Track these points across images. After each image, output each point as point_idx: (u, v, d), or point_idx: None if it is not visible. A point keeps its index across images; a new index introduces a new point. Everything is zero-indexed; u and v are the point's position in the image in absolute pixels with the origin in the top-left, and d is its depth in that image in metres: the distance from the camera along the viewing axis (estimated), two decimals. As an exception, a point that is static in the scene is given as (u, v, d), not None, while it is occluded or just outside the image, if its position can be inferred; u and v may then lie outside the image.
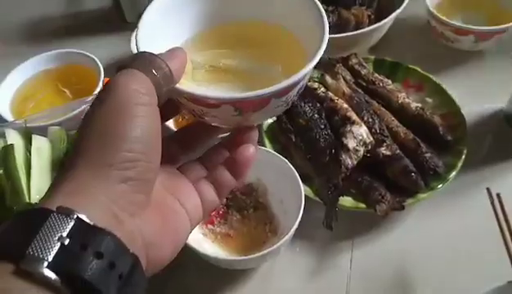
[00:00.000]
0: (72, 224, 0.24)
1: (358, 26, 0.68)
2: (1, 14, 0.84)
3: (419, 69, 0.64)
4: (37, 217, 0.24)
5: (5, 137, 0.58)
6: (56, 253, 0.23)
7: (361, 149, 0.55)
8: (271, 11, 0.37)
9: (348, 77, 0.65)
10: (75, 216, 0.24)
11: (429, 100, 0.63)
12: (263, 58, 0.35)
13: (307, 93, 0.62)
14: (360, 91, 0.63)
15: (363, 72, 0.65)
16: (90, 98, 0.62)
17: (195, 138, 0.35)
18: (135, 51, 0.31)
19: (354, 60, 0.66)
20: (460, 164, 0.54)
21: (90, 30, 0.83)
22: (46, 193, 0.26)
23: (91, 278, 0.23)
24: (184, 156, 0.35)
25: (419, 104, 0.61)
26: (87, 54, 0.70)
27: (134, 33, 0.34)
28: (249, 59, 0.36)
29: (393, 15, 0.65)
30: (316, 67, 0.62)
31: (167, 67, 0.29)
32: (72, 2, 0.91)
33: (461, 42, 0.69)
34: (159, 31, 0.34)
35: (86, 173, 0.26)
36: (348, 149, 0.55)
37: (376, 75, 0.65)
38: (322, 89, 0.62)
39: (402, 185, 0.54)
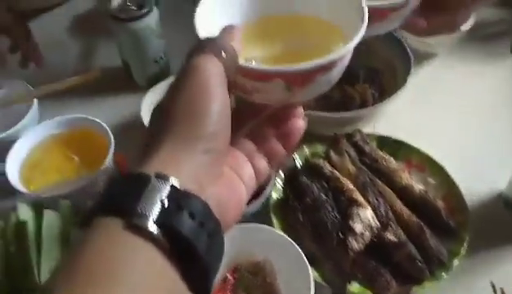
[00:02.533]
0: (169, 188, 0.27)
1: (362, 103, 0.70)
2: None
3: (421, 150, 0.67)
4: (140, 181, 0.28)
5: (16, 210, 0.58)
6: (159, 212, 0.27)
7: (368, 234, 0.57)
8: (311, 5, 0.41)
9: (353, 153, 0.67)
10: (171, 182, 0.28)
11: (431, 180, 0.64)
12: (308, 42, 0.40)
13: (314, 171, 0.64)
14: (364, 168, 0.65)
15: (367, 149, 0.67)
16: (100, 171, 0.62)
17: (244, 117, 0.38)
18: (198, 32, 0.35)
19: (358, 137, 0.68)
20: (463, 252, 0.56)
21: (99, 92, 0.84)
22: (137, 160, 0.31)
23: (187, 234, 0.27)
24: (234, 133, 0.36)
25: (423, 187, 0.63)
26: (97, 120, 0.71)
27: (196, 12, 0.37)
28: (296, 43, 0.40)
29: (397, 94, 0.68)
30: (322, 142, 0.65)
31: (232, 48, 0.33)
32: (82, 62, 0.92)
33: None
34: (213, 14, 0.38)
35: (175, 144, 0.30)
36: (355, 233, 0.57)
37: (380, 153, 0.67)
38: (328, 167, 0.64)
39: (407, 272, 0.55)
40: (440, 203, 0.61)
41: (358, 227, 0.57)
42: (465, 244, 0.57)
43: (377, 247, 0.57)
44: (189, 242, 0.27)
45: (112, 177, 0.30)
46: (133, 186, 0.28)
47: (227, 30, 0.35)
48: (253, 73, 0.34)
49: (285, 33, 0.41)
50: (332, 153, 0.66)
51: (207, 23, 0.37)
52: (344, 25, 0.38)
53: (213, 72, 0.31)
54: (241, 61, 0.34)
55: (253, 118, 0.39)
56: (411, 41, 0.79)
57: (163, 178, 0.28)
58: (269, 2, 0.41)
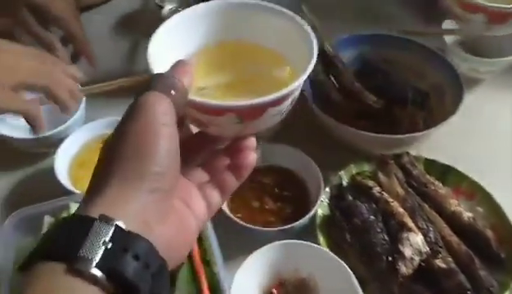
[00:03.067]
0: (112, 230, 0.28)
1: (411, 126, 0.70)
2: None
3: (470, 176, 0.66)
4: (83, 224, 0.28)
5: (68, 209, 0.59)
6: (102, 255, 0.27)
7: (417, 259, 0.57)
8: (261, 34, 0.41)
9: (400, 175, 0.67)
10: (115, 224, 0.28)
11: (480, 209, 0.64)
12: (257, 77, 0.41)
13: (363, 192, 0.64)
14: (412, 192, 0.64)
15: (415, 172, 0.67)
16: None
17: (198, 147, 0.39)
18: (151, 67, 0.36)
19: (406, 159, 0.68)
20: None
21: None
22: (82, 202, 0.31)
23: (131, 276, 0.27)
24: (187, 163, 0.38)
25: (471, 214, 0.62)
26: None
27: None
28: (247, 71, 0.41)
29: (448, 121, 0.67)
30: (369, 162, 0.65)
31: (182, 86, 0.33)
32: (127, 62, 0.93)
33: (471, 22, 0.69)
34: (166, 48, 0.39)
35: (121, 184, 0.30)
36: (404, 257, 0.56)
37: (428, 177, 0.66)
38: (377, 188, 0.64)
39: (457, 301, 0.55)
40: (489, 233, 0.60)
41: (408, 251, 0.57)
42: (515, 276, 0.56)
43: (426, 272, 0.57)
44: (133, 284, 0.27)
45: (57, 222, 0.30)
46: (76, 230, 0.28)
47: (178, 65, 0.35)
48: (205, 108, 0.35)
49: (236, 61, 0.41)
50: (380, 175, 0.66)
51: (160, 56, 0.37)
52: (294, 56, 0.40)
53: (160, 110, 0.31)
54: (192, 96, 0.34)
55: (207, 148, 0.40)
56: (459, 66, 0.79)
57: (107, 220, 0.28)
58: (221, 30, 0.42)
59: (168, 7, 0.79)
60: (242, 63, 0.41)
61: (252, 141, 0.38)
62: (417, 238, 0.57)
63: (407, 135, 0.68)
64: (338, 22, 0.91)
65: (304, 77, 0.36)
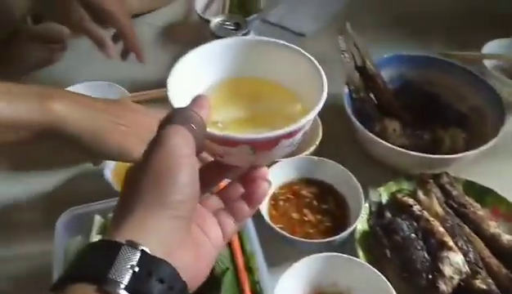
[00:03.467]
0: (139, 255, 0.29)
1: (452, 147, 0.71)
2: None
3: (508, 199, 0.67)
4: (111, 249, 0.30)
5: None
6: (130, 278, 0.29)
7: (457, 278, 0.57)
8: (275, 71, 0.43)
9: (439, 195, 0.67)
10: (140, 249, 0.30)
11: (519, 232, 0.64)
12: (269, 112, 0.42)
13: (403, 209, 0.65)
14: (451, 212, 0.65)
15: (454, 193, 0.68)
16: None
17: (213, 176, 0.41)
18: (171, 101, 0.38)
19: (446, 179, 0.69)
20: (554, 309, 0.56)
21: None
22: (110, 227, 0.33)
23: None
24: (203, 191, 0.39)
25: (511, 237, 0.62)
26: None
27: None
28: (259, 107, 0.43)
29: (490, 143, 0.68)
30: (408, 180, 0.65)
31: (201, 119, 0.35)
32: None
33: None
34: (185, 82, 0.41)
35: (144, 212, 0.32)
36: (444, 276, 0.57)
37: (467, 198, 0.67)
38: (418, 207, 0.64)
39: (496, 323, 0.55)
40: (529, 257, 0.61)
41: (448, 270, 0.57)
42: (556, 302, 0.56)
43: (465, 292, 0.57)
44: None
45: (84, 246, 0.32)
46: (105, 254, 0.30)
47: (197, 100, 0.37)
48: (221, 140, 0.37)
49: (250, 97, 0.43)
50: (420, 193, 0.67)
51: (179, 90, 0.39)
52: (305, 93, 0.41)
53: (181, 142, 0.33)
54: (210, 129, 0.36)
55: (222, 177, 0.42)
56: (500, 90, 0.80)
57: (133, 246, 0.30)
58: (236, 67, 0.44)
59: (215, 20, 0.82)
60: (255, 99, 0.43)
61: (264, 171, 0.40)
62: (457, 258, 0.58)
63: (449, 156, 0.68)
64: (380, 41, 0.93)
65: (315, 112, 0.37)
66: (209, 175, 0.40)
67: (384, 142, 0.69)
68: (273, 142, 0.37)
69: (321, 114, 0.74)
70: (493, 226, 0.64)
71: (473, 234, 0.63)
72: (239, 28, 0.81)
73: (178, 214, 0.32)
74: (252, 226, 0.60)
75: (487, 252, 0.61)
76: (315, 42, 1.01)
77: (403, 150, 0.68)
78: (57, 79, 0.90)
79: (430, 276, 0.57)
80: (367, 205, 0.67)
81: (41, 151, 0.74)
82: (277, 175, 0.70)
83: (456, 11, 1.07)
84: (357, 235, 0.64)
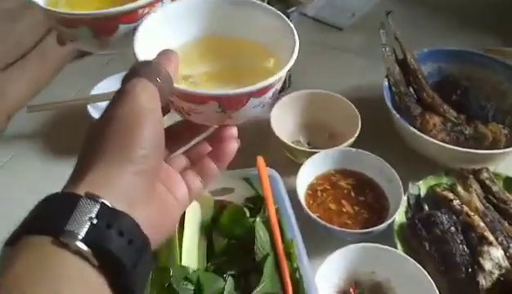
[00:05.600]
0: (98, 207, 0.29)
1: (494, 142, 0.70)
2: None
3: (551, 197, 0.66)
4: (70, 201, 0.29)
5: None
6: (88, 230, 0.28)
7: (496, 272, 0.57)
8: (247, 29, 0.44)
9: (479, 190, 0.67)
10: (100, 201, 0.29)
11: (561, 229, 0.64)
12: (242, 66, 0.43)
13: (443, 203, 0.65)
14: (491, 208, 0.65)
15: (494, 188, 0.67)
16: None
17: (181, 135, 0.41)
18: (137, 55, 0.37)
19: (486, 175, 0.68)
20: None
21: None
22: (69, 180, 0.32)
23: (115, 251, 0.28)
24: (170, 150, 0.40)
25: (552, 234, 0.62)
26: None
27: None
28: (232, 63, 0.43)
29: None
30: (447, 175, 0.65)
31: (167, 73, 0.34)
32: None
33: None
34: (153, 38, 0.40)
35: (107, 165, 0.31)
36: (484, 270, 0.57)
37: (507, 194, 0.67)
38: (458, 201, 0.64)
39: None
40: None
41: (488, 265, 0.57)
42: None
43: (505, 286, 0.57)
44: (117, 258, 0.28)
45: (43, 199, 0.30)
46: (62, 206, 0.29)
47: (164, 54, 0.36)
48: (189, 96, 0.36)
49: (222, 54, 0.43)
50: (459, 188, 0.67)
51: (147, 45, 0.39)
52: (278, 49, 0.42)
53: (146, 96, 0.33)
54: (178, 84, 0.36)
55: (191, 136, 0.42)
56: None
57: (92, 198, 0.29)
58: (208, 25, 0.44)
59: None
60: (228, 55, 0.43)
61: (233, 131, 0.40)
62: (497, 253, 0.58)
63: (491, 151, 0.68)
64: (420, 35, 0.93)
65: (285, 70, 0.37)
66: (178, 134, 0.41)
67: (424, 136, 0.69)
68: (243, 99, 0.37)
69: (360, 106, 0.76)
70: (534, 223, 0.63)
71: (513, 231, 0.63)
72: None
73: (142, 168, 0.32)
74: (292, 214, 0.61)
75: (526, 249, 0.61)
76: (352, 36, 1.02)
77: (444, 144, 0.68)
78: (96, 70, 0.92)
79: (470, 270, 0.57)
80: (406, 198, 0.67)
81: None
82: (315, 165, 0.70)
83: (499, 4, 1.06)
84: (396, 227, 0.64)
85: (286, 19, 0.42)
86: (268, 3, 0.97)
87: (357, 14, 1.06)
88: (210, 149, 0.40)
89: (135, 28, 0.40)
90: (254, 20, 0.43)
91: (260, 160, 0.63)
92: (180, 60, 0.38)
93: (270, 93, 0.38)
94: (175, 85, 0.36)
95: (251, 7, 0.44)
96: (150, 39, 0.40)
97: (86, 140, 0.34)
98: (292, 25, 0.41)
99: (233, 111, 0.37)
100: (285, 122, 0.78)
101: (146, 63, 0.35)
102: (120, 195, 0.31)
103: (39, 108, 0.76)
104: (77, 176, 0.32)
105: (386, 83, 0.77)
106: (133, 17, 0.39)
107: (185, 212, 0.60)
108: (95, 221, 0.28)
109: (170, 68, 0.35)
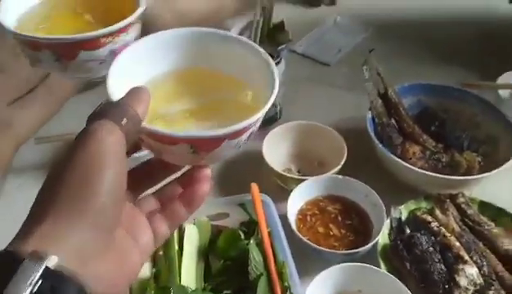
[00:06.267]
0: (41, 270, 0.26)
1: (468, 169, 0.76)
2: None
3: (522, 220, 0.72)
4: (11, 262, 0.27)
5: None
6: None
7: (471, 289, 0.62)
8: (226, 63, 0.42)
9: (455, 213, 0.73)
10: (46, 263, 0.26)
11: (531, 250, 0.69)
12: (220, 105, 0.41)
13: (422, 225, 0.70)
14: (467, 229, 0.70)
15: (469, 212, 0.73)
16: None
17: (153, 175, 0.39)
18: (109, 93, 0.35)
19: (462, 199, 0.74)
20: (562, 320, 0.60)
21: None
22: (20, 230, 0.30)
23: None
24: (140, 191, 0.38)
25: (523, 254, 0.67)
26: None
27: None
28: (207, 99, 0.41)
29: (503, 167, 0.73)
30: (426, 199, 0.69)
31: (136, 114, 0.32)
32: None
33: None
34: (127, 74, 0.38)
35: (60, 218, 0.29)
36: (459, 286, 0.62)
37: (481, 217, 0.72)
38: (436, 223, 0.70)
39: (509, 331, 0.60)
40: (541, 273, 0.65)
41: (463, 281, 0.62)
42: None
43: (479, 303, 0.62)
44: None
45: None
46: (4, 267, 0.27)
47: (133, 92, 0.34)
48: (159, 137, 0.34)
49: (199, 88, 0.41)
50: (437, 211, 0.72)
51: (121, 82, 0.37)
52: (256, 82, 0.40)
53: (108, 140, 0.30)
54: (146, 123, 0.34)
55: (163, 176, 0.39)
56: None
57: (38, 258, 0.27)
58: (184, 58, 0.42)
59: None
60: (206, 89, 0.42)
61: (207, 172, 0.38)
62: (472, 271, 0.63)
63: (466, 177, 0.74)
64: (402, 70, 1.00)
65: (264, 111, 0.35)
66: (148, 173, 0.39)
67: (405, 163, 0.75)
68: (216, 142, 0.35)
69: (346, 137, 0.82)
70: (507, 243, 0.69)
71: (487, 250, 0.68)
72: (271, 58, 0.89)
73: (98, 221, 0.29)
74: (284, 236, 0.66)
75: (500, 267, 0.66)
76: (339, 71, 1.09)
77: (423, 171, 0.74)
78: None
79: (446, 286, 0.62)
80: (388, 221, 0.72)
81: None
82: (305, 192, 0.76)
83: (476, 40, 1.15)
84: (379, 248, 0.69)
85: (262, 50, 0.41)
86: (260, 42, 1.05)
87: (342, 50, 1.13)
88: (181, 190, 0.38)
89: (100, 59, 0.40)
90: (232, 53, 0.42)
91: (254, 186, 0.69)
92: (155, 96, 0.36)
93: (246, 134, 0.36)
94: (145, 125, 0.34)
95: (230, 41, 0.43)
96: (125, 75, 0.38)
97: (42, 186, 0.31)
98: (271, 61, 0.40)
99: (206, 153, 0.35)
100: (276, 152, 0.83)
101: (113, 103, 0.33)
102: (72, 252, 0.28)
103: (46, 140, 0.81)
104: (27, 229, 0.29)
105: (369, 115, 0.83)
106: (95, 44, 0.40)
107: (184, 235, 0.65)
108: (36, 288, 0.26)
109: (140, 107, 0.33)
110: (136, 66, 0.41)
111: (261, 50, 0.41)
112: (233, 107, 0.40)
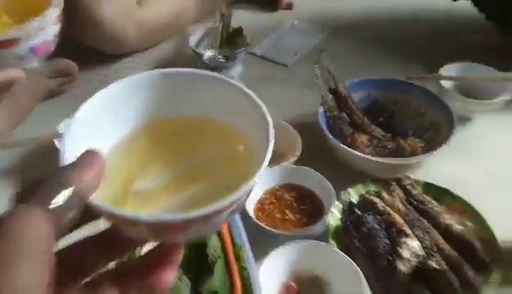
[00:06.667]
0: None
1: (413, 154, 0.82)
2: None
3: (461, 197, 0.78)
4: None
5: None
6: None
7: (414, 260, 0.67)
8: (211, 109, 0.35)
9: (401, 194, 0.78)
10: None
11: (469, 223, 0.75)
12: (202, 168, 0.34)
13: (369, 206, 0.75)
14: (411, 208, 0.76)
15: (414, 192, 0.79)
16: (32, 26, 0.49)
17: (114, 246, 0.32)
18: (61, 158, 0.29)
19: (407, 181, 0.80)
20: (494, 282, 0.66)
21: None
22: None
23: None
24: (102, 263, 0.32)
25: (462, 227, 0.73)
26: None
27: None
28: (192, 163, 0.34)
29: (440, 148, 0.80)
30: (374, 183, 0.74)
31: (77, 193, 0.27)
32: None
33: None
34: (89, 132, 0.32)
35: None
36: (402, 258, 0.67)
37: (425, 196, 0.78)
38: (381, 203, 0.75)
39: (447, 294, 0.65)
40: (477, 243, 0.71)
41: (406, 253, 0.67)
42: (497, 276, 0.67)
43: (421, 272, 0.67)
44: None
45: None
46: None
47: (83, 159, 0.28)
48: (115, 218, 0.28)
49: (180, 143, 0.35)
50: (384, 193, 0.78)
51: (79, 144, 0.30)
52: (250, 131, 0.34)
53: (28, 233, 0.25)
54: (97, 201, 0.27)
55: (117, 254, 0.32)
56: (455, 106, 0.92)
57: None
58: (161, 106, 0.35)
59: (208, 53, 0.95)
60: (190, 146, 0.35)
61: (176, 257, 0.31)
62: (414, 244, 0.68)
63: (408, 159, 0.80)
64: (354, 66, 1.07)
65: (253, 181, 0.29)
66: (110, 242, 0.32)
67: (353, 151, 0.81)
68: (182, 225, 0.28)
69: (301, 130, 0.87)
70: (447, 218, 0.74)
71: (430, 227, 0.73)
72: (228, 60, 0.94)
73: None
74: (240, 222, 0.70)
75: (441, 240, 0.71)
76: (296, 71, 1.15)
77: (370, 157, 0.80)
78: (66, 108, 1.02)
79: (390, 258, 0.67)
80: (340, 204, 0.77)
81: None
82: (263, 181, 0.81)
83: (422, 36, 1.23)
84: (331, 229, 0.74)
85: (253, 95, 0.34)
86: (219, 47, 1.10)
87: (300, 52, 1.19)
88: (142, 276, 0.31)
89: None
90: (218, 96, 0.35)
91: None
92: (128, 163, 0.31)
93: (226, 212, 0.29)
94: (94, 201, 0.28)
95: (211, 81, 0.36)
96: (84, 136, 0.31)
97: None
98: (261, 104, 0.34)
99: (175, 235, 0.29)
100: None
101: (49, 179, 0.27)
102: None
103: (11, 145, 0.84)
104: None
105: (321, 109, 0.89)
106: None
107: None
108: None
109: (87, 176, 0.27)
110: (101, 121, 0.33)
111: (250, 92, 0.34)
112: (222, 165, 0.34)
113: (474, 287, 0.65)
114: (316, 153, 0.87)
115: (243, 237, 0.69)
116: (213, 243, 0.67)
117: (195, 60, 1.07)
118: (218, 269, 0.65)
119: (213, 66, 0.93)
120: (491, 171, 0.88)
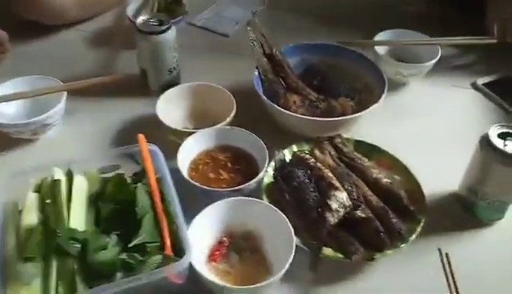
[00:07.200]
0: None
1: (343, 113, 0.84)
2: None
3: (389, 152, 0.80)
4: None
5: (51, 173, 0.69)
6: None
7: (342, 210, 0.69)
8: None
9: (333, 152, 0.80)
10: None
11: (397, 177, 0.77)
12: None
13: (300, 162, 0.76)
14: (342, 165, 0.78)
15: (345, 150, 0.80)
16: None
17: None
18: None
19: (338, 140, 0.82)
20: (419, 229, 0.68)
21: (118, 94, 0.97)
22: None
23: None
24: None
25: (389, 180, 0.75)
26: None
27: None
28: None
29: (371, 108, 0.82)
30: (307, 142, 0.75)
31: None
32: (105, 70, 1.06)
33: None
34: None
35: None
36: (331, 209, 0.68)
37: (356, 153, 0.80)
38: (312, 160, 0.77)
39: (372, 242, 0.67)
40: (402, 193, 0.73)
41: (334, 205, 0.69)
42: (422, 224, 0.69)
43: (349, 222, 0.69)
44: None
45: None
46: None
47: None
48: None
49: None
50: (316, 151, 0.79)
51: None
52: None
53: None
54: None
55: None
56: (388, 70, 0.94)
57: None
58: None
59: (141, 18, 0.93)
60: None
61: None
62: (342, 195, 0.70)
63: (338, 118, 0.82)
64: (291, 34, 1.08)
65: None
66: None
67: (286, 111, 0.82)
68: None
69: (237, 95, 0.87)
70: (376, 173, 0.76)
71: (359, 180, 0.75)
72: (162, 24, 0.93)
73: None
74: (170, 181, 0.69)
75: (369, 192, 0.73)
76: (236, 41, 1.15)
77: (302, 116, 0.81)
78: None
79: (319, 210, 0.69)
80: (273, 163, 0.78)
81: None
82: (197, 143, 0.80)
83: (363, 7, 1.27)
84: (264, 186, 0.75)
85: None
86: (157, 11, 1.08)
87: (240, 22, 1.19)
88: None
89: None
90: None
91: (141, 136, 0.72)
92: None
93: None
94: None
95: None
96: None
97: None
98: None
99: None
100: (171, 113, 0.87)
101: None
102: None
103: None
104: None
105: (256, 72, 0.89)
106: None
107: (72, 186, 0.68)
108: None
109: None
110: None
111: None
112: None
113: (399, 233, 0.67)
114: (252, 116, 0.87)
115: (172, 193, 0.68)
116: (142, 200, 0.66)
117: (132, 30, 1.05)
118: (146, 223, 0.65)
119: (144, 30, 0.91)
120: (419, 130, 0.92)
